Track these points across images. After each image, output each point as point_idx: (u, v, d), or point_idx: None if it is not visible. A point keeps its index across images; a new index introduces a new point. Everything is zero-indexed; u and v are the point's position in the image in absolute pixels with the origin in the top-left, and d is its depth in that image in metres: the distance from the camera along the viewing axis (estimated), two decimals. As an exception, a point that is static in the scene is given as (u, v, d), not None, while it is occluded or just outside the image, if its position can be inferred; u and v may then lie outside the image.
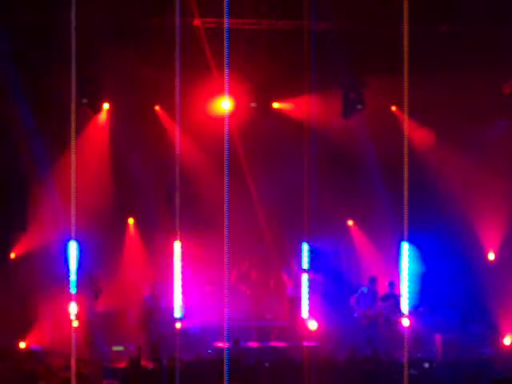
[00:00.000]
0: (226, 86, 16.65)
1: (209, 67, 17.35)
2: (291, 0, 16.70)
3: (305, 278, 19.88)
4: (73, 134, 7.95)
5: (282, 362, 15.32)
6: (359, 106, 18.96)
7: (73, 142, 8.14)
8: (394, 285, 18.96)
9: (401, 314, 18.57)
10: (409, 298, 18.95)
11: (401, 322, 18.62)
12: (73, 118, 7.88)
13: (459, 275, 19.85)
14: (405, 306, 18.91)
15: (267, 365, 14.45)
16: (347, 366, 14.77)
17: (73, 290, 18.08)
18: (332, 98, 18.84)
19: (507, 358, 17.33)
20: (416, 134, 19.46)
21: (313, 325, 19.94)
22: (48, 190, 18.72)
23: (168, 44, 16.59)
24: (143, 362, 15.41)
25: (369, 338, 18.35)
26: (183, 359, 14.95)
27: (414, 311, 18.70)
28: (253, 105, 19.80)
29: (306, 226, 19.10)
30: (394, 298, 18.78)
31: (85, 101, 18.29)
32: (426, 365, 15.00)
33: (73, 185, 7.88)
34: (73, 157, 8.08)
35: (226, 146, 9.04)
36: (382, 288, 19.28)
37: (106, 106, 19.42)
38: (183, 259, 20.26)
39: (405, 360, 12.55)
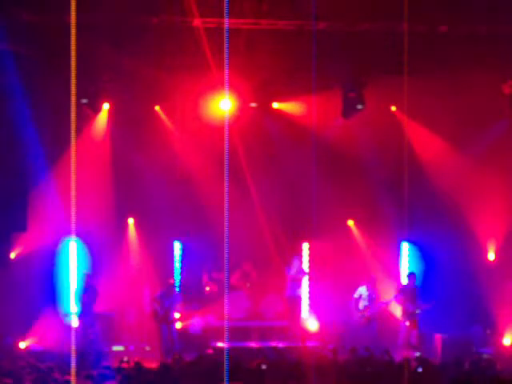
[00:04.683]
0: (226, 86, 16.76)
1: (209, 67, 17.34)
2: (291, 0, 16.69)
3: (305, 278, 19.91)
4: (73, 134, 7.94)
5: (282, 362, 15.29)
6: (359, 106, 18.96)
7: (73, 142, 8.13)
8: (413, 277, 18.83)
9: (418, 307, 18.48)
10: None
11: (417, 314, 18.50)
12: (73, 118, 7.87)
13: (459, 275, 19.85)
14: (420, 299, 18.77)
15: (267, 365, 14.41)
16: (347, 366, 14.73)
17: (73, 290, 18.13)
18: (332, 97, 18.85)
19: (507, 357, 17.34)
20: (416, 135, 19.52)
21: (313, 325, 19.96)
22: (48, 190, 18.73)
23: (168, 44, 16.66)
24: (146, 363, 15.38)
25: (368, 338, 18.35)
26: (184, 359, 14.95)
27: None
28: (253, 105, 19.81)
29: (306, 225, 19.13)
30: (413, 291, 18.65)
31: (85, 101, 18.30)
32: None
33: (73, 185, 7.87)
34: (73, 157, 8.07)
35: (225, 145, 9.04)
36: (382, 287, 19.30)
37: (105, 106, 19.43)
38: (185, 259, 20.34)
39: (405, 360, 12.57)
